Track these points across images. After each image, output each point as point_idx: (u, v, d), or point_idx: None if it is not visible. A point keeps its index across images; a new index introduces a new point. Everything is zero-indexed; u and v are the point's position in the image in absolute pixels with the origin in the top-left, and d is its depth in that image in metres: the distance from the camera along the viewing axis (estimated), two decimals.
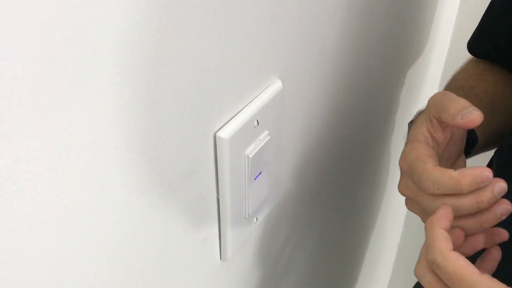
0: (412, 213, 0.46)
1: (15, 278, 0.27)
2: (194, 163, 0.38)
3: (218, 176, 0.41)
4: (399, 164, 0.44)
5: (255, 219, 0.50)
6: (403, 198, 0.46)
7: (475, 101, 0.55)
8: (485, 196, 0.37)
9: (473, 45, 0.61)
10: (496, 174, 0.48)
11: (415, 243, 1.15)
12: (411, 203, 0.45)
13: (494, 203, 0.38)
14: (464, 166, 0.49)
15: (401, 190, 0.45)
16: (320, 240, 0.78)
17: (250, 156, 0.43)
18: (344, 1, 0.52)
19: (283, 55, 0.45)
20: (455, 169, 0.43)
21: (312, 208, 0.69)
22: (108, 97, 0.28)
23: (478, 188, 0.37)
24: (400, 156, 0.45)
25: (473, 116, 0.39)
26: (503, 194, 0.38)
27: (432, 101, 0.44)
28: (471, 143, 0.52)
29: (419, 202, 0.42)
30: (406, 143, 0.46)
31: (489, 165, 0.56)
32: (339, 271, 0.99)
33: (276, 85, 0.45)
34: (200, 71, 0.35)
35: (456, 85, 0.59)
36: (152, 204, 0.35)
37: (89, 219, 0.30)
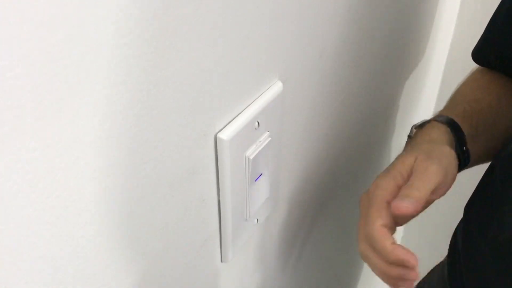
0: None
1: (15, 279, 0.27)
2: (194, 164, 0.38)
3: (219, 178, 0.41)
4: (371, 185, 0.49)
5: (256, 220, 0.50)
6: None
7: (480, 117, 0.56)
8: (394, 273, 0.45)
9: (477, 54, 0.61)
10: (500, 184, 0.49)
11: (416, 245, 1.15)
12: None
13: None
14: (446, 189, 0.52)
15: (361, 198, 0.50)
16: (322, 241, 0.78)
17: (251, 157, 0.43)
18: (344, 3, 0.52)
19: (283, 57, 0.45)
20: (436, 191, 0.48)
21: (313, 209, 0.69)
22: (109, 98, 0.28)
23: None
24: (376, 179, 0.49)
25: (398, 206, 0.44)
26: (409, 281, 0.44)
27: (418, 163, 0.48)
28: (463, 163, 0.54)
29: (359, 227, 0.49)
30: (392, 162, 0.50)
31: (490, 170, 0.56)
32: (341, 271, 0.99)
33: (276, 87, 0.45)
34: (201, 72, 0.35)
35: (462, 100, 0.59)
36: (153, 205, 0.35)
37: (89, 220, 0.30)
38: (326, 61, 0.53)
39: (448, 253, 0.63)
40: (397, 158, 0.50)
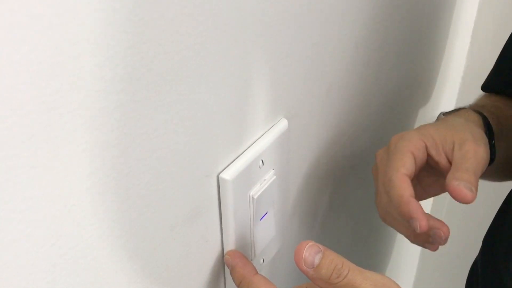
0: None
1: None
2: (196, 205, 0.37)
3: (222, 218, 0.40)
4: (391, 139, 0.47)
5: (262, 260, 0.48)
6: None
7: (504, 120, 0.53)
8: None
9: (487, 85, 0.60)
10: None
11: (431, 280, 1.12)
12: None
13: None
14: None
15: (376, 154, 0.49)
16: None
17: (255, 197, 0.42)
18: (351, 39, 0.52)
19: (289, 94, 0.44)
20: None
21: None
22: (107, 143, 0.28)
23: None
24: (396, 135, 0.47)
25: (459, 191, 0.40)
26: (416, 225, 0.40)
27: (468, 143, 0.44)
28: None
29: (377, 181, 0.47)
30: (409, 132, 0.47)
31: (507, 200, 0.54)
32: None
33: (281, 124, 0.44)
34: (203, 114, 0.34)
35: (486, 104, 0.56)
36: (154, 248, 0.35)
37: (87, 267, 0.29)
38: (332, 98, 0.53)
39: None
40: (429, 125, 0.47)
